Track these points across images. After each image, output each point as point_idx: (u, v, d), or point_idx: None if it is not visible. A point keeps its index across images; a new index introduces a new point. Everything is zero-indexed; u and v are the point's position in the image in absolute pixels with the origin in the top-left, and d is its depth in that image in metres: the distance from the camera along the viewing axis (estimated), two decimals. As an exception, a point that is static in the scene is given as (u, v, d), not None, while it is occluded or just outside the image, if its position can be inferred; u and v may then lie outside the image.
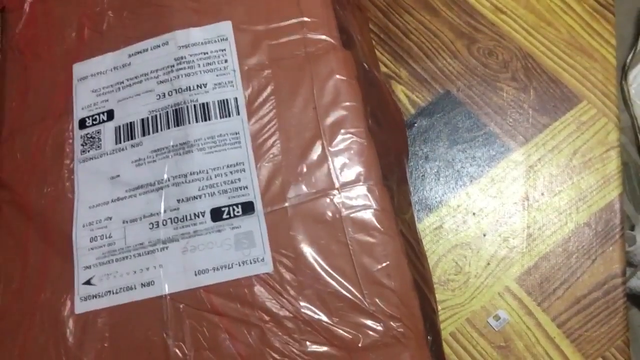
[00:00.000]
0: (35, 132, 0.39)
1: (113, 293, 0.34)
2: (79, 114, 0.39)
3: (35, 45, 0.41)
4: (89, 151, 0.38)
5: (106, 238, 0.35)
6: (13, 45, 0.42)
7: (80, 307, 0.34)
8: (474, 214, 0.43)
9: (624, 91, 0.45)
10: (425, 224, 0.43)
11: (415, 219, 0.42)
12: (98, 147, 0.38)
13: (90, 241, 0.35)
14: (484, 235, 0.42)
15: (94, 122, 0.38)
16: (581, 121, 0.44)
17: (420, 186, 0.44)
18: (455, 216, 0.43)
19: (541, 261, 0.41)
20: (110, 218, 0.36)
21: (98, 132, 0.38)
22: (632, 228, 0.41)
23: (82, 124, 0.39)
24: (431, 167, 0.44)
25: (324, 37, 0.38)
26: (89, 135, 0.38)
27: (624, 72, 0.45)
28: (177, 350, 0.32)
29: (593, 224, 0.42)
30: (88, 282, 0.35)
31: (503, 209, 0.43)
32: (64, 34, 0.41)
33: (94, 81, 0.40)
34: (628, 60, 0.45)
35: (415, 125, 0.45)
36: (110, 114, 0.38)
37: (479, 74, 0.46)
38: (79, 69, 0.40)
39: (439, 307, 0.40)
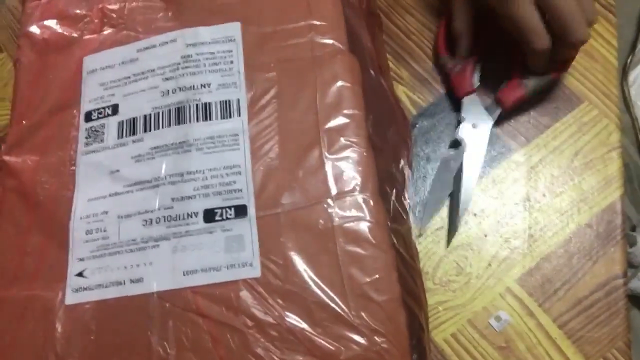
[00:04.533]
0: (44, 122, 0.40)
1: (103, 287, 0.34)
2: (85, 106, 0.39)
3: (50, 36, 0.42)
4: (92, 144, 0.38)
5: (101, 232, 0.36)
6: (29, 35, 0.43)
7: (71, 299, 0.35)
8: (475, 214, 0.42)
9: (625, 92, 0.44)
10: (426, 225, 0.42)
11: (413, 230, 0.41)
12: (101, 140, 0.38)
13: (86, 234, 0.36)
14: (485, 236, 0.41)
15: (99, 116, 0.39)
16: (582, 122, 0.43)
17: (422, 187, 0.43)
18: (456, 217, 0.42)
19: (542, 262, 0.40)
20: (107, 212, 0.36)
21: (102, 126, 0.38)
22: (633, 229, 0.41)
23: (88, 116, 0.39)
24: (432, 168, 0.43)
25: (331, 41, 0.38)
26: (93, 129, 0.39)
27: (624, 73, 0.44)
28: (160, 349, 0.32)
29: (594, 225, 0.41)
30: (80, 274, 0.35)
31: (504, 210, 0.42)
32: (78, 26, 0.42)
33: (102, 74, 0.40)
34: (628, 62, 0.44)
35: (417, 126, 0.45)
36: (115, 109, 0.39)
37: (480, 74, 0.45)
38: (89, 61, 0.41)
39: (440, 308, 0.40)
